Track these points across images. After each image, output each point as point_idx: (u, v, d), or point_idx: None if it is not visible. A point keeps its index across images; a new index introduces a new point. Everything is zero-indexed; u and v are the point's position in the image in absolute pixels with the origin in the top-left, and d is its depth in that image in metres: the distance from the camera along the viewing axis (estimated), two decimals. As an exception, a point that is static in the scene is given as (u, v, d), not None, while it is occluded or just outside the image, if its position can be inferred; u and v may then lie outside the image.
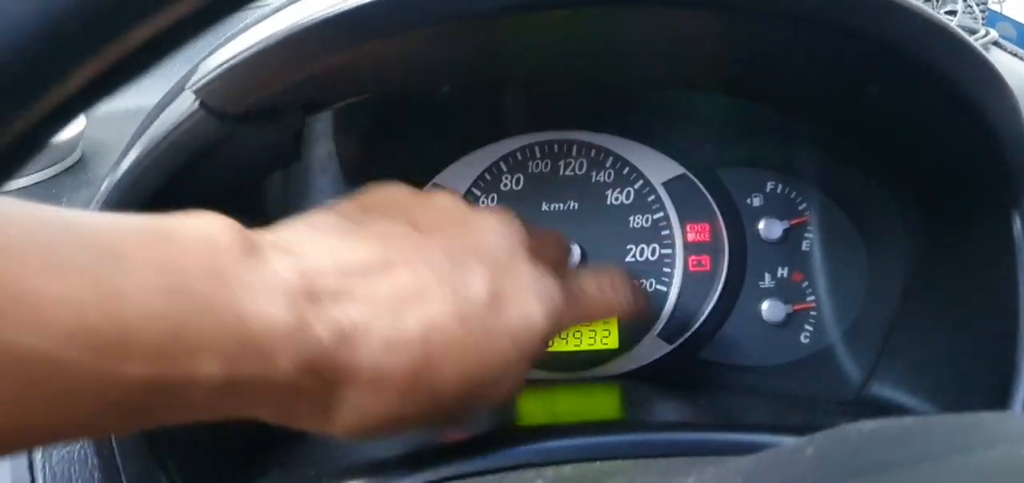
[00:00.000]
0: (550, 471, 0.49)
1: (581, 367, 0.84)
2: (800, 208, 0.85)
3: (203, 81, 0.52)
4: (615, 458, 0.59)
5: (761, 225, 0.84)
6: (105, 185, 0.60)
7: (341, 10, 0.49)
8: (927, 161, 0.73)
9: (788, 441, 0.65)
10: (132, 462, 0.61)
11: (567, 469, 0.50)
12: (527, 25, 0.60)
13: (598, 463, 0.52)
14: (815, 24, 0.59)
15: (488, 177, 0.84)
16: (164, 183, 0.58)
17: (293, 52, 0.50)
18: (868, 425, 0.36)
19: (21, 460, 0.62)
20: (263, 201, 0.79)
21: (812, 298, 0.86)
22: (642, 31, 0.67)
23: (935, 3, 1.00)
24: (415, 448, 0.64)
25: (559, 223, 0.84)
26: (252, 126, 0.55)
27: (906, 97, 0.66)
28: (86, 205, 0.61)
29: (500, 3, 0.50)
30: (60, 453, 0.62)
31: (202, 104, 0.53)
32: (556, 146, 0.84)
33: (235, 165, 0.59)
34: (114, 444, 0.60)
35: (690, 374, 0.84)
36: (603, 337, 0.84)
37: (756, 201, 0.85)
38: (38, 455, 0.62)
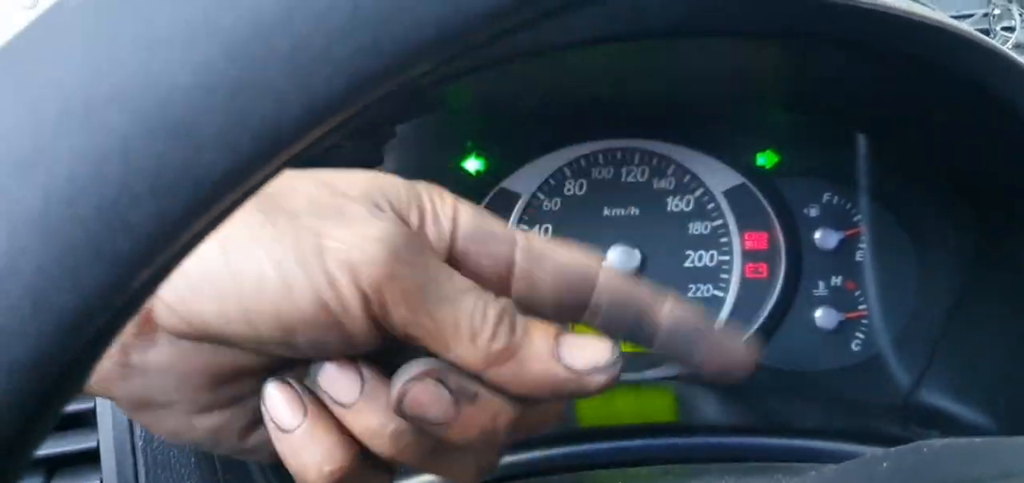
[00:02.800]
0: (629, 472, 0.52)
1: (640, 368, 0.87)
2: (855, 219, 0.88)
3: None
4: (672, 461, 0.62)
5: (817, 235, 0.87)
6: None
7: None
8: (980, 174, 0.75)
9: (840, 446, 0.69)
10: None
11: (644, 471, 0.53)
12: (603, 53, 0.64)
13: (670, 466, 0.55)
14: (878, 53, 0.62)
15: (552, 182, 0.88)
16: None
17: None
18: (939, 442, 0.39)
19: (124, 438, 0.66)
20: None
21: (864, 306, 0.88)
22: (710, 57, 0.70)
23: (992, 18, 1.02)
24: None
25: (620, 227, 0.87)
26: (352, 139, 0.59)
27: (964, 117, 0.69)
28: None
29: (591, 35, 0.53)
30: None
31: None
32: (619, 153, 0.88)
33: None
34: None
35: (745, 377, 0.87)
36: (661, 338, 0.87)
37: (813, 211, 0.88)
38: (138, 430, 0.66)
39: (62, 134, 0.20)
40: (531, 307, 0.44)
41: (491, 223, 0.45)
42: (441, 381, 0.39)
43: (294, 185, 0.40)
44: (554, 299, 0.45)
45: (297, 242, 0.38)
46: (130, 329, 0.40)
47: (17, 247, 0.20)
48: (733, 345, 0.50)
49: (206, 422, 0.43)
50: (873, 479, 0.37)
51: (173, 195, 0.20)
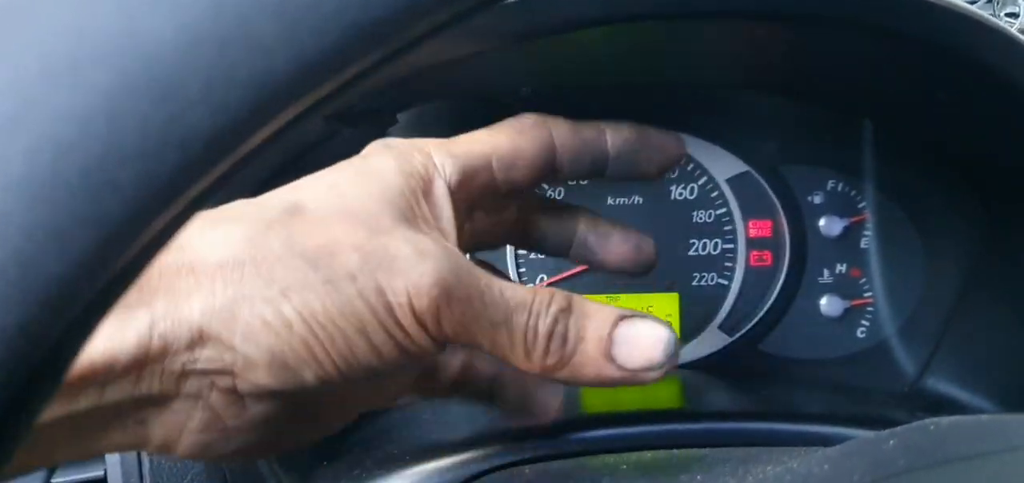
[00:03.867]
0: (633, 457, 0.52)
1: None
2: (859, 206, 0.88)
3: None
4: (677, 446, 0.62)
5: (821, 222, 0.87)
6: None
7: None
8: (987, 160, 0.75)
9: (846, 432, 0.69)
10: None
11: (648, 455, 0.53)
12: (602, 34, 0.63)
13: (675, 451, 0.54)
14: (884, 35, 0.61)
15: (555, 171, 0.87)
16: (267, 176, 0.62)
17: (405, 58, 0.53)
18: (946, 420, 0.39)
19: (132, 466, 0.65)
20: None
21: (869, 294, 0.88)
22: (711, 39, 0.69)
23: (996, 5, 1.01)
24: (486, 430, 0.68)
25: (624, 217, 0.87)
26: (353, 126, 0.59)
27: (970, 101, 0.68)
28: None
29: (590, 15, 0.53)
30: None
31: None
32: (622, 142, 0.87)
33: (332, 159, 0.63)
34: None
35: (749, 366, 0.87)
36: (665, 327, 0.87)
37: (817, 199, 0.87)
38: (146, 458, 0.66)
39: (45, 94, 0.19)
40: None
41: (466, 143, 0.53)
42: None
43: (335, 236, 0.42)
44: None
45: (370, 307, 0.41)
46: (219, 400, 0.42)
47: (1, 211, 0.19)
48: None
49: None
50: (880, 457, 0.36)
51: (162, 155, 0.20)
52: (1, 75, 0.19)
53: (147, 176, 0.20)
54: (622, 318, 0.44)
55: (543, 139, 0.52)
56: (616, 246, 0.60)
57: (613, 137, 0.55)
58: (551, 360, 0.43)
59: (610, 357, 0.44)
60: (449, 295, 0.42)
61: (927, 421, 0.39)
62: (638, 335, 0.44)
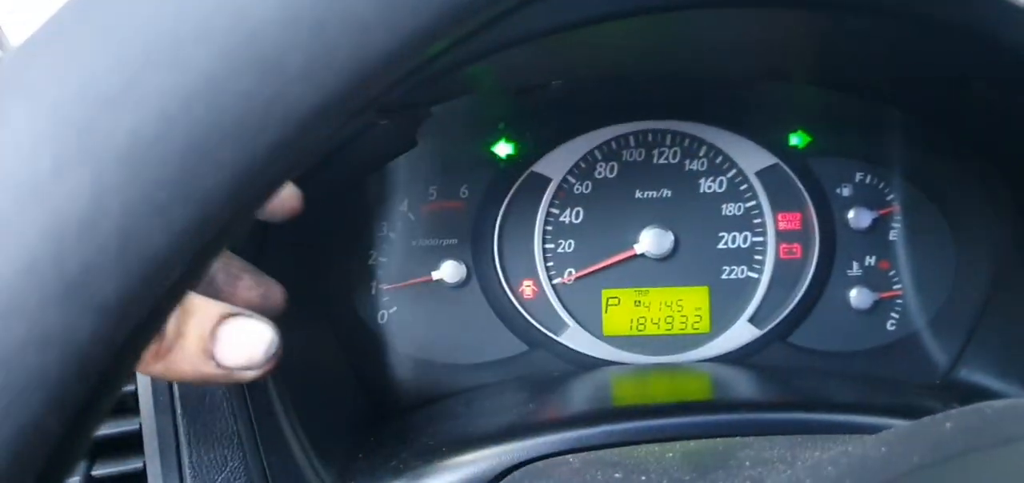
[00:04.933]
0: (679, 446, 0.52)
1: (674, 350, 0.87)
2: (888, 198, 0.87)
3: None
4: (709, 436, 0.62)
5: (851, 214, 0.87)
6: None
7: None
8: (1018, 151, 0.74)
9: (882, 422, 0.69)
10: (267, 430, 0.65)
11: (693, 444, 0.53)
12: (632, 25, 0.63)
13: (719, 440, 0.54)
14: (917, 22, 0.61)
15: (583, 165, 0.87)
16: (301, 171, 0.62)
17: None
18: (999, 403, 0.39)
19: (166, 420, 0.65)
20: (375, 187, 0.83)
21: (899, 286, 0.88)
22: (741, 29, 0.69)
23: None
24: (519, 422, 0.68)
25: (653, 210, 0.87)
26: (390, 118, 0.59)
27: (1005, 89, 0.68)
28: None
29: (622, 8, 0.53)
30: (201, 411, 0.66)
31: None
32: (650, 135, 0.87)
33: (366, 153, 0.63)
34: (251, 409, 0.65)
35: (779, 358, 0.87)
36: (694, 322, 0.87)
37: (846, 191, 0.87)
38: (180, 411, 0.66)
39: (149, 72, 0.20)
40: None
41: None
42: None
43: None
44: None
45: None
46: None
47: (104, 186, 0.19)
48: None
49: None
50: (939, 439, 0.36)
51: (263, 130, 0.20)
52: (107, 54, 0.20)
53: (249, 152, 0.20)
54: (226, 316, 0.43)
55: None
56: (243, 290, 0.58)
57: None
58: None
59: (210, 354, 0.42)
60: None
61: (982, 404, 0.39)
62: (240, 333, 0.43)
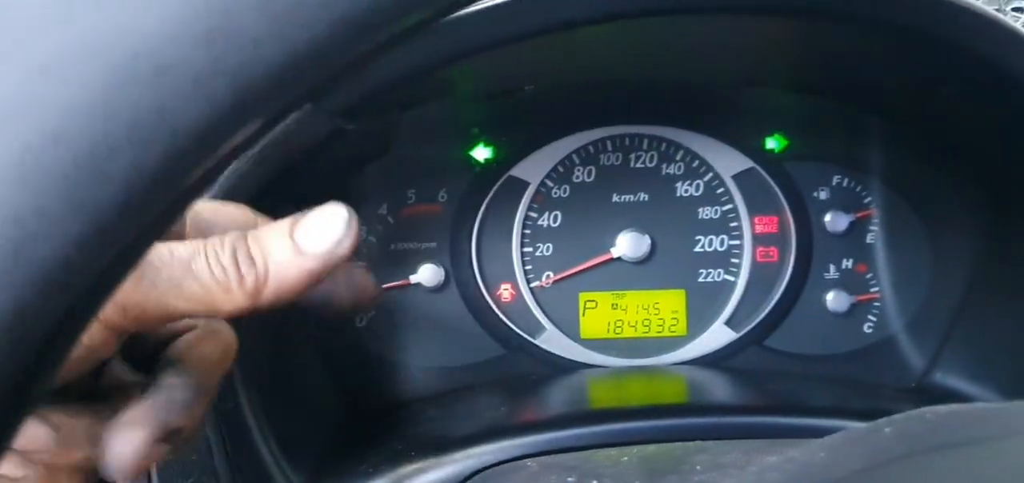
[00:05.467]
0: (636, 450, 0.52)
1: (651, 353, 0.87)
2: (865, 201, 0.88)
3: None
4: (684, 439, 0.62)
5: (827, 218, 0.87)
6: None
7: (450, 18, 0.52)
8: (995, 157, 0.75)
9: (855, 426, 0.69)
10: (236, 435, 0.66)
11: (651, 448, 0.53)
12: (608, 30, 0.64)
13: (678, 444, 0.55)
14: (893, 30, 0.61)
15: (561, 169, 0.88)
16: (271, 177, 0.62)
17: (405, 56, 0.54)
18: (942, 409, 0.39)
19: None
20: (353, 191, 0.84)
21: (876, 289, 0.88)
22: (718, 35, 0.70)
23: (1002, 1, 1.01)
24: (492, 426, 0.68)
25: (629, 214, 0.87)
26: (358, 124, 0.59)
27: (980, 97, 0.68)
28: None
29: (596, 13, 0.53)
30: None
31: (314, 103, 0.57)
32: (627, 139, 0.88)
33: (337, 159, 0.64)
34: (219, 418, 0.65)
35: (755, 361, 0.87)
36: (671, 325, 0.87)
37: (823, 194, 0.87)
38: None
39: (36, 86, 0.20)
40: None
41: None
42: (158, 440, 0.40)
43: None
44: None
45: None
46: None
47: None
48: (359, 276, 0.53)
49: None
50: (876, 445, 0.36)
51: (152, 144, 0.20)
52: None
53: (137, 166, 0.20)
54: (296, 221, 0.45)
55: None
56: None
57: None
58: (249, 282, 0.42)
59: (301, 251, 0.44)
60: None
61: (924, 409, 0.39)
62: (316, 220, 0.44)
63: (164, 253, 0.41)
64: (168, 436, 0.40)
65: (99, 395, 0.45)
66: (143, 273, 0.40)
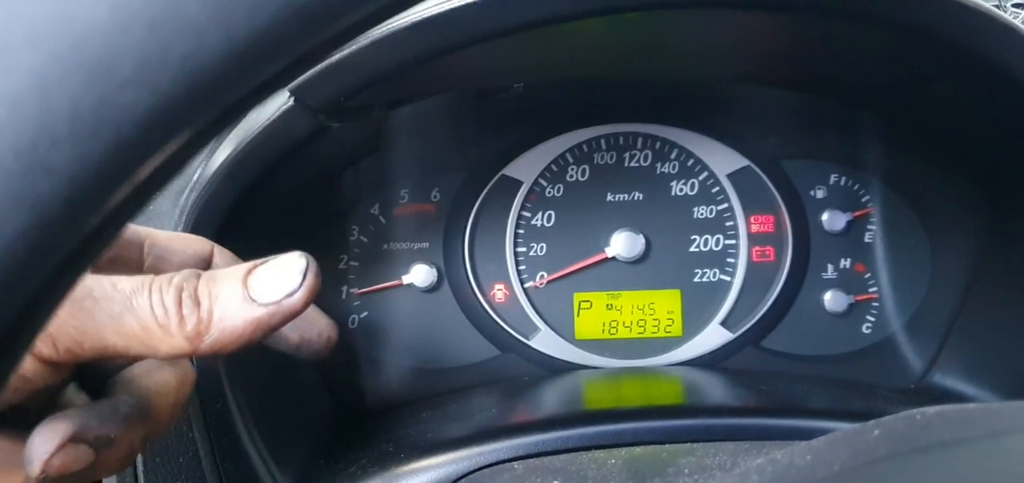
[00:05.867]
0: (623, 452, 0.52)
1: (646, 354, 0.86)
2: (863, 200, 0.87)
3: (299, 79, 0.56)
4: (679, 441, 0.61)
5: (824, 217, 0.86)
6: (197, 175, 0.63)
7: (428, 15, 0.52)
8: (991, 154, 0.74)
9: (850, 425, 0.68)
10: (224, 437, 0.65)
11: (638, 450, 0.52)
12: (599, 26, 0.63)
13: (668, 445, 0.54)
14: (883, 25, 0.60)
15: (554, 168, 0.87)
16: (256, 175, 0.62)
17: (384, 53, 0.53)
18: (931, 409, 0.38)
19: None
20: (344, 191, 0.83)
21: (874, 289, 0.87)
22: (711, 31, 0.69)
23: (1003, -3, 0.99)
24: (482, 428, 0.68)
25: (624, 213, 0.86)
26: (342, 121, 0.58)
27: (972, 92, 0.67)
28: (177, 194, 0.65)
29: (582, 8, 0.52)
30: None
31: (297, 100, 0.56)
32: (621, 138, 0.87)
33: (322, 157, 0.63)
34: (199, 420, 0.64)
35: (752, 362, 0.86)
36: (667, 325, 0.86)
37: (820, 193, 0.86)
38: None
39: None
40: None
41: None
42: (80, 440, 0.39)
43: None
44: None
45: None
46: None
47: None
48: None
49: None
50: (862, 445, 0.35)
51: (95, 136, 0.20)
52: None
53: (82, 158, 0.20)
54: (253, 267, 0.43)
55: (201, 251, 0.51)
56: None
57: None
58: (190, 325, 0.40)
59: (250, 299, 0.42)
60: None
61: (914, 411, 0.38)
62: (271, 270, 0.43)
63: (106, 285, 0.40)
64: (94, 441, 0.39)
65: None
66: (81, 305, 0.39)
